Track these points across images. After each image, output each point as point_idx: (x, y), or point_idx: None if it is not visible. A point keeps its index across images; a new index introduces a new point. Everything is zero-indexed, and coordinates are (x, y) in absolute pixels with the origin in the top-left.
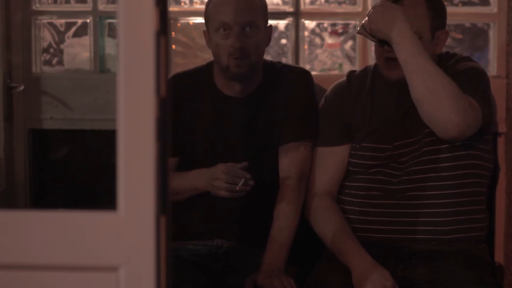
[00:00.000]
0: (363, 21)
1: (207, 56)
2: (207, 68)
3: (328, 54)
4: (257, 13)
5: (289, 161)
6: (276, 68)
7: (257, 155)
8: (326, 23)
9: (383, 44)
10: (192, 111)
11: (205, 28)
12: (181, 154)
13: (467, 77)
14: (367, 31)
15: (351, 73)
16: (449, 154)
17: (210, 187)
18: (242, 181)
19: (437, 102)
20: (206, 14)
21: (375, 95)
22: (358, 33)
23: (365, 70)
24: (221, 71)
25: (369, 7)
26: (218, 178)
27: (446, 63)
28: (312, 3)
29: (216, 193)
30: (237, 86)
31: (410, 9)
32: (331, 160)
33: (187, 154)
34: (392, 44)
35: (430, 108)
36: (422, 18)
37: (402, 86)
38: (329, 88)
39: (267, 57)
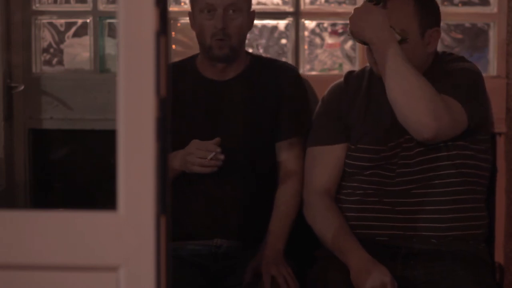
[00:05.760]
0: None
1: None
2: (191, 57)
3: (328, 54)
4: None
5: (293, 155)
6: (263, 59)
7: (241, 138)
8: (326, 23)
9: (366, 45)
10: (175, 97)
11: (190, 10)
12: None
13: (455, 77)
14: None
15: (349, 74)
16: (440, 154)
17: (184, 166)
18: (212, 154)
19: (410, 104)
20: None
21: (371, 95)
22: (348, 35)
23: (363, 71)
24: (203, 51)
25: None
26: (191, 153)
27: (441, 63)
28: (312, 3)
29: (190, 169)
30: (219, 66)
31: (396, 9)
32: (329, 159)
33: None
34: (370, 45)
35: (404, 109)
36: (409, 17)
37: None
38: (327, 90)
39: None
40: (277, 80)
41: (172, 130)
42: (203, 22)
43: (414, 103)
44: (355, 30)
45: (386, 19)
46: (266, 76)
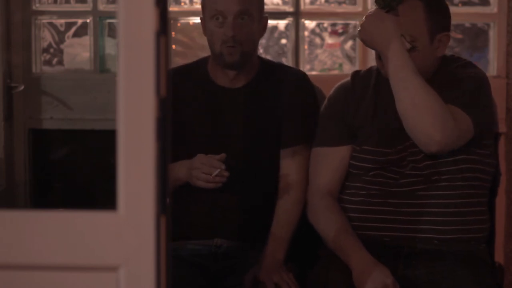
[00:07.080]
0: (359, 28)
1: None
2: (202, 61)
3: (328, 54)
4: (252, 3)
5: (297, 163)
6: (274, 65)
7: (249, 147)
8: (326, 23)
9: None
10: (184, 102)
11: (201, 16)
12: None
13: (464, 87)
14: None
15: (355, 73)
16: (448, 159)
17: (189, 178)
18: (217, 171)
19: (419, 117)
20: (203, 1)
21: (379, 96)
22: (357, 36)
23: (370, 71)
24: (214, 58)
25: (369, 7)
26: (196, 168)
27: (449, 67)
28: (312, 3)
29: (195, 183)
30: (231, 73)
31: (405, 15)
32: (333, 160)
33: (180, 143)
34: (380, 55)
35: (412, 122)
36: (419, 23)
37: None
38: (332, 88)
39: (268, 57)
40: (285, 87)
41: (182, 137)
42: (213, 29)
43: (423, 117)
44: (366, 38)
45: (397, 27)
46: (275, 83)
